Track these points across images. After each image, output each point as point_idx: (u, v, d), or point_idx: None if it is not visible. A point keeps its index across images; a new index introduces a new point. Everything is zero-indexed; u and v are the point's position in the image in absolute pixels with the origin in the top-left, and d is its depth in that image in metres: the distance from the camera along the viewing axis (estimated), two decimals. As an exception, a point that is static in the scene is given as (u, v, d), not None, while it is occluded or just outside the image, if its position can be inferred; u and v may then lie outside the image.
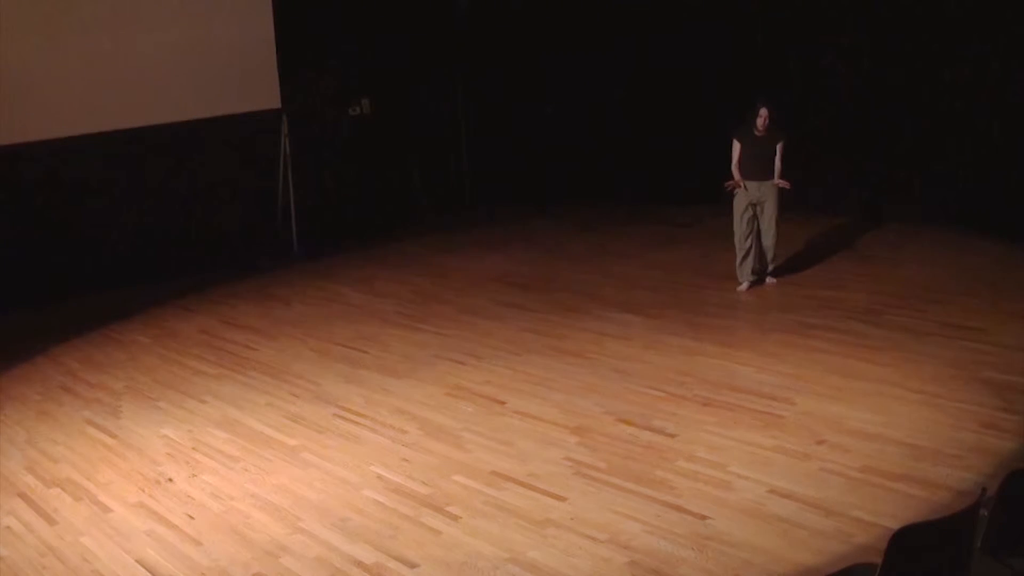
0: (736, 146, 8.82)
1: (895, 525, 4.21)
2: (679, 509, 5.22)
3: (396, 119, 12.66)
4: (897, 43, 10.63)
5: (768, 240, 8.96)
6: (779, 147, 8.71)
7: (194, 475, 6.02)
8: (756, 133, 8.71)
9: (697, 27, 12.06)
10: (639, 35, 12.54)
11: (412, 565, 4.86)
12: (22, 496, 5.86)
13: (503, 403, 6.81)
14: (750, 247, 8.96)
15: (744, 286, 8.99)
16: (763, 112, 8.65)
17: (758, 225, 8.92)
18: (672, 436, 6.11)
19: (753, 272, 9.03)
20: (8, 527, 5.49)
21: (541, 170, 13.00)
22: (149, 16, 10.58)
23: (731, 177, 8.84)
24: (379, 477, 5.84)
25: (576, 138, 12.96)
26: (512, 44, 13.02)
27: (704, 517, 5.12)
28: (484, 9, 13.00)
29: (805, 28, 11.27)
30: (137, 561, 5.06)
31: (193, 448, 6.41)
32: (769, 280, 9.12)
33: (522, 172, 13.07)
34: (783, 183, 8.72)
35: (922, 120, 10.55)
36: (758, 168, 8.75)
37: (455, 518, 5.29)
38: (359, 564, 4.90)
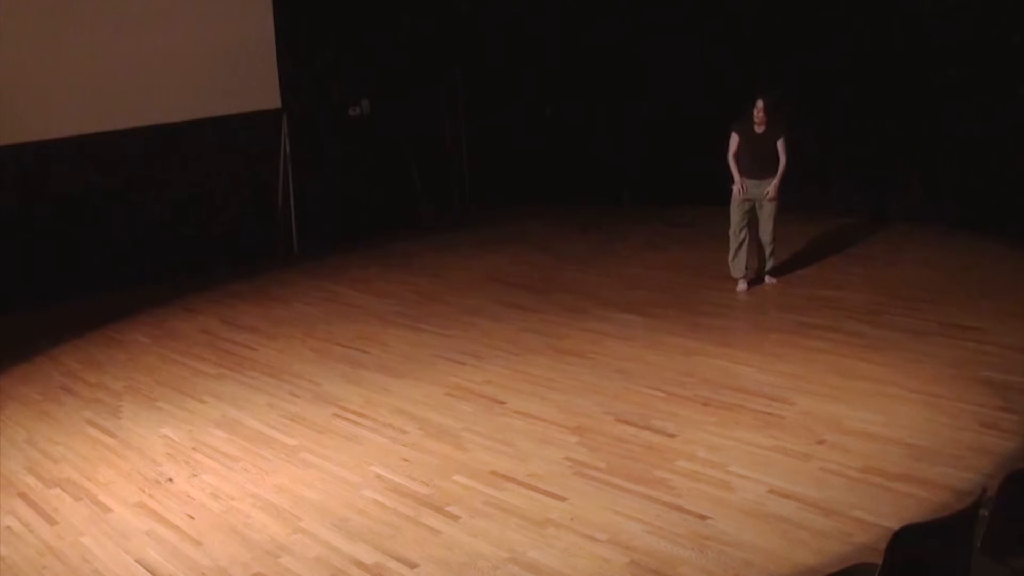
0: (734, 139, 8.79)
1: (895, 525, 4.21)
2: (679, 509, 5.22)
3: (396, 119, 12.66)
4: (897, 43, 10.63)
5: (765, 236, 8.93)
6: (780, 143, 8.67)
7: (194, 475, 6.02)
8: (756, 128, 8.68)
9: (697, 27, 12.07)
10: (638, 35, 12.54)
11: (412, 565, 4.86)
12: (22, 496, 5.87)
13: (503, 403, 6.81)
14: (744, 240, 8.92)
15: (743, 286, 8.98)
16: (759, 104, 8.59)
17: (756, 220, 8.90)
18: (672, 436, 6.11)
19: (747, 268, 9.01)
20: (8, 527, 5.49)
21: (541, 170, 13.00)
22: (149, 16, 10.57)
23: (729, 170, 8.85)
24: (379, 477, 5.84)
25: (576, 138, 12.95)
26: (512, 45, 13.02)
27: (704, 517, 5.12)
28: (484, 9, 13.00)
29: (806, 28, 11.26)
30: (137, 561, 5.06)
31: (193, 448, 6.41)
32: (769, 280, 9.12)
33: (522, 172, 13.07)
34: (773, 194, 8.70)
35: (922, 120, 10.55)
36: (758, 166, 8.73)
37: (455, 518, 5.29)
38: (359, 564, 4.90)
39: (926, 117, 10.51)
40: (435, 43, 12.86)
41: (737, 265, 9.00)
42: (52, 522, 5.52)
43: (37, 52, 9.89)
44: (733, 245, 8.97)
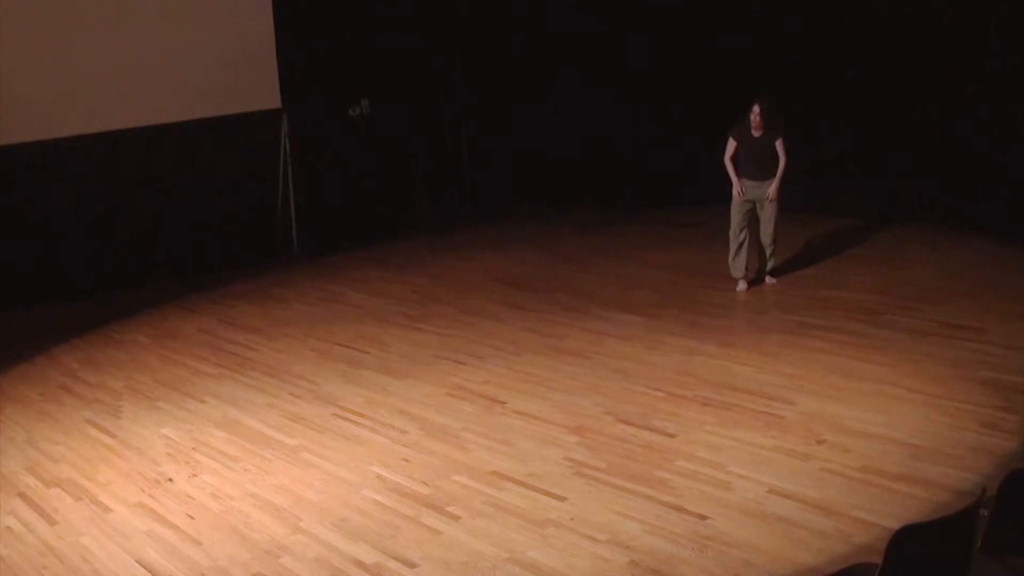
0: (731, 144, 8.79)
1: (895, 525, 4.21)
2: (679, 509, 5.22)
3: (396, 119, 12.66)
4: (898, 44, 10.63)
5: (766, 238, 8.93)
6: (778, 144, 8.66)
7: (194, 475, 6.02)
8: (753, 132, 8.68)
9: (698, 26, 12.07)
10: (639, 35, 12.54)
11: (412, 565, 4.86)
12: (22, 496, 5.87)
13: (503, 403, 6.81)
14: (744, 240, 8.92)
15: (743, 286, 8.98)
16: (756, 109, 8.59)
17: (756, 220, 8.90)
18: (672, 436, 6.11)
19: (747, 268, 8.99)
20: (8, 527, 5.49)
21: (541, 170, 13.00)
22: (149, 16, 10.58)
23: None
24: (379, 477, 5.84)
25: (576, 138, 12.95)
26: (512, 45, 13.02)
27: (704, 517, 5.12)
28: (484, 10, 13.00)
29: (807, 28, 11.26)
30: (137, 561, 5.06)
31: (193, 448, 6.42)
32: (769, 280, 9.11)
33: (522, 172, 13.06)
34: (774, 196, 8.70)
35: (922, 120, 10.54)
36: (758, 168, 8.72)
37: (455, 518, 5.29)
38: (359, 564, 4.90)
39: (926, 117, 10.50)
40: (435, 43, 12.86)
41: (737, 265, 8.99)
42: (52, 522, 5.52)
43: (37, 52, 9.89)
44: (733, 246, 8.96)
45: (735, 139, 8.76)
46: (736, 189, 8.80)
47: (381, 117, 12.55)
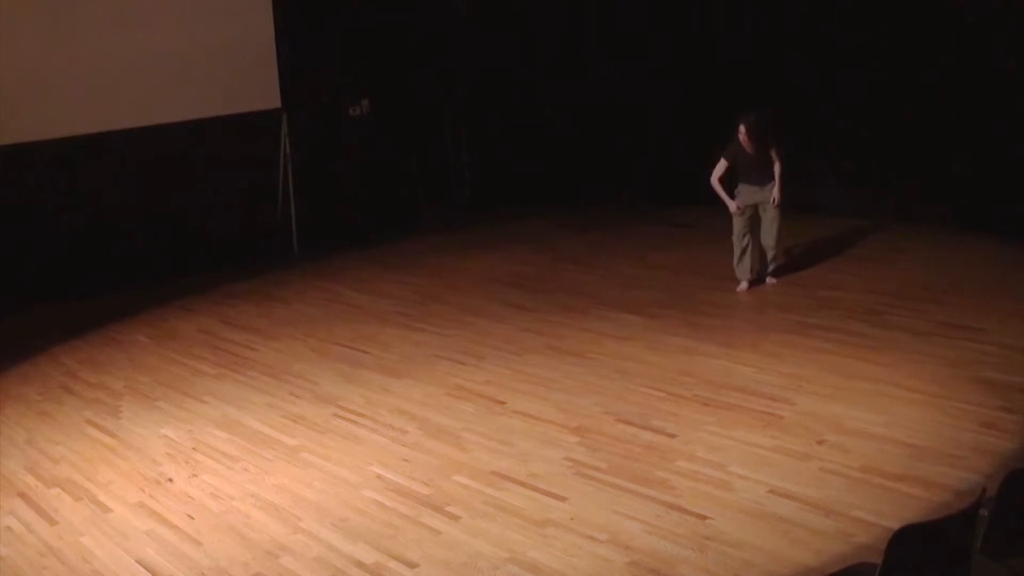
0: (721, 164, 8.76)
1: (895, 525, 4.21)
2: (679, 509, 5.22)
3: (396, 119, 12.66)
4: (898, 44, 10.63)
5: (769, 239, 8.94)
6: (773, 152, 8.67)
7: (194, 475, 6.02)
8: (746, 149, 8.69)
9: (699, 26, 12.07)
10: (639, 35, 12.54)
11: (412, 565, 4.86)
12: (22, 496, 5.87)
13: (503, 403, 6.81)
14: (747, 245, 8.92)
15: (744, 286, 8.98)
16: (742, 129, 8.60)
17: (758, 223, 8.90)
18: (672, 436, 6.11)
19: (752, 271, 9.01)
20: (8, 527, 5.49)
21: (541, 170, 13.00)
22: (149, 16, 10.58)
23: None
24: (379, 477, 5.84)
25: (576, 138, 12.95)
26: (512, 45, 13.02)
27: (704, 517, 5.12)
28: (484, 9, 13.00)
29: (806, 28, 11.27)
30: (137, 561, 5.06)
31: (193, 448, 6.42)
32: (769, 280, 9.12)
33: (522, 172, 13.07)
34: (779, 200, 8.70)
35: (922, 120, 10.54)
36: (758, 174, 8.73)
37: (455, 518, 5.29)
38: (359, 564, 4.90)
39: (926, 117, 10.50)
40: (435, 43, 12.87)
41: (743, 268, 9.00)
42: (52, 522, 5.52)
43: (37, 52, 9.89)
44: (737, 250, 8.96)
45: (727, 159, 8.75)
46: (733, 206, 8.78)
47: (381, 117, 12.55)
